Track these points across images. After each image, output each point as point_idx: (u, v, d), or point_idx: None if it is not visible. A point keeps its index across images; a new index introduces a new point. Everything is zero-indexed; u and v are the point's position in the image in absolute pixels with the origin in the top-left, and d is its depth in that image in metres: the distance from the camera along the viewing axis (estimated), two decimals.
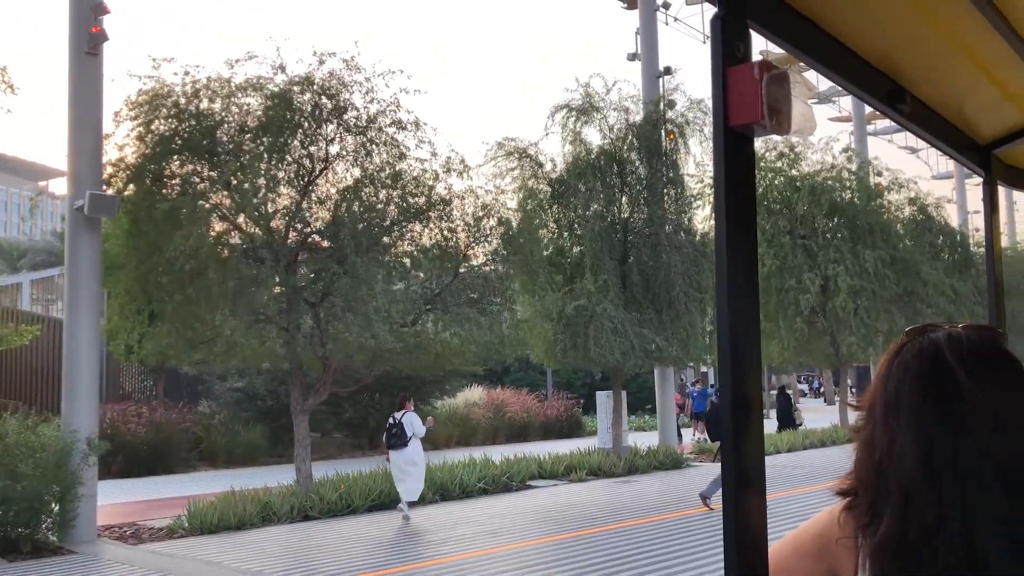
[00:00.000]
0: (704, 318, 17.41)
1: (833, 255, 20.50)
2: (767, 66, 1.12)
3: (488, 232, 14.29)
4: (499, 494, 14.13)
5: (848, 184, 22.16)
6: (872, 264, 20.08)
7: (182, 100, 12.47)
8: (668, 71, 20.13)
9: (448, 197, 14.13)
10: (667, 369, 20.01)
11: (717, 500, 12.08)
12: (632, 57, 21.25)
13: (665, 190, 17.73)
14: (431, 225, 14.19)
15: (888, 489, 1.15)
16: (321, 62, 13.12)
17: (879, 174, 23.42)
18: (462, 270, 14.23)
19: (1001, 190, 2.77)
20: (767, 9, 1.32)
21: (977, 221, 32.66)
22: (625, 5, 23.03)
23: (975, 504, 1.10)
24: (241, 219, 12.73)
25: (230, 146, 12.68)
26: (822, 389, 51.39)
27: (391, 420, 12.20)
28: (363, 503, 12.57)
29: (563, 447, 18.59)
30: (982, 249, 28.50)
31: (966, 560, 1.09)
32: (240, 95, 12.79)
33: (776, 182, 21.86)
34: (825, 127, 36.15)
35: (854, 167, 22.62)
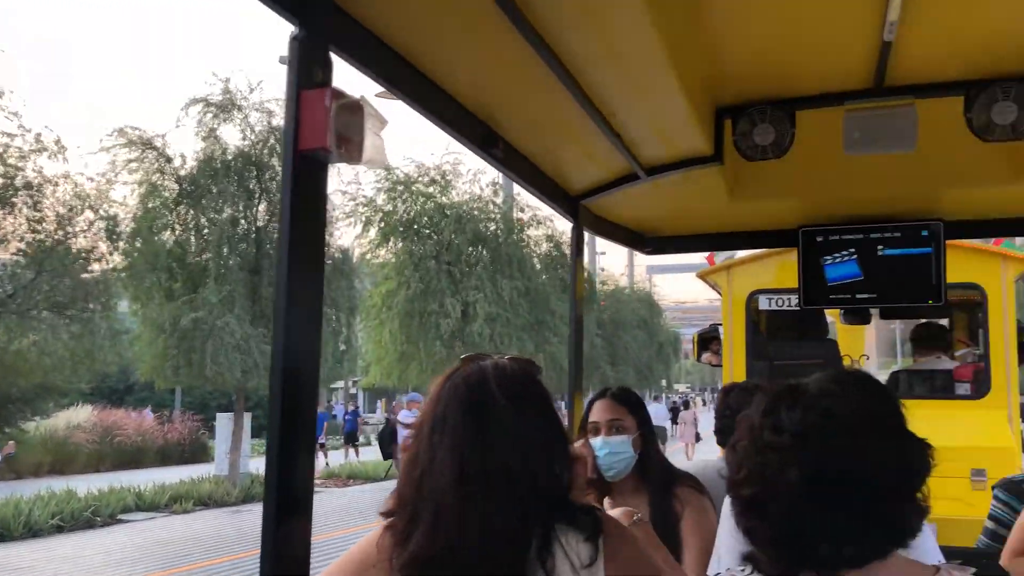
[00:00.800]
0: (338, 337, 16.86)
1: (475, 282, 21.17)
2: (338, 94, 1.16)
3: (86, 227, 12.39)
4: (78, 531, 12.12)
5: (493, 216, 23.10)
6: (508, 293, 21.08)
7: None
8: None
9: (38, 182, 12.07)
10: None
11: None
12: (284, 60, 20.25)
13: None
14: (15, 212, 12.04)
15: (424, 506, 1.18)
16: None
17: (522, 210, 24.79)
18: (74, 270, 12.20)
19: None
20: (352, 37, 1.32)
21: (603, 261, 36.29)
22: None
23: (494, 523, 1.15)
24: None
25: None
26: None
27: None
28: None
29: (179, 474, 16.88)
30: (606, 287, 31.84)
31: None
32: None
33: (427, 207, 22.12)
34: (474, 160, 38.07)
35: (499, 200, 23.66)
